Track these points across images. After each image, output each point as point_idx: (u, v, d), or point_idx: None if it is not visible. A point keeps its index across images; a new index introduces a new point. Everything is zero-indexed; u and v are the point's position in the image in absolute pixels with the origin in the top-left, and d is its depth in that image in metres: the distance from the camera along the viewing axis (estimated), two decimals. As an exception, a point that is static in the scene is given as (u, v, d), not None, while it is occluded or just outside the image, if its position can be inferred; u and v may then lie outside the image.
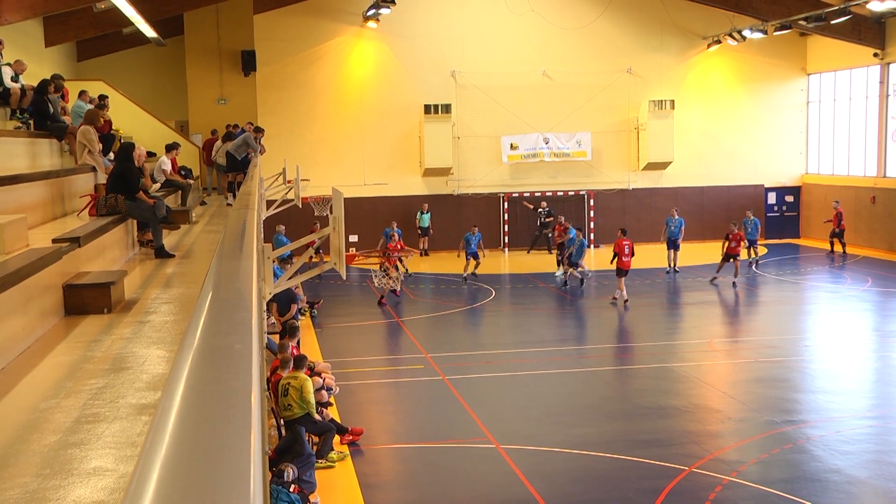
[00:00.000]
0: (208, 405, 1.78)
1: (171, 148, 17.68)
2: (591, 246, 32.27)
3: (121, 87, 24.58)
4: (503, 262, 31.54)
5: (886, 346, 18.20)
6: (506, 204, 33.39)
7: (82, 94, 17.47)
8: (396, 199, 32.33)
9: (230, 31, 29.52)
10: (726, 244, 25.07)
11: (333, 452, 11.60)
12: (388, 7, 29.08)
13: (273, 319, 16.36)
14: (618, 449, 11.93)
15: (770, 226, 34.86)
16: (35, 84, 14.66)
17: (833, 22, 27.78)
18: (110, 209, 10.04)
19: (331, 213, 11.78)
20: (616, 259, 22.41)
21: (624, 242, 22.30)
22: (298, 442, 10.12)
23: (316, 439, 11.51)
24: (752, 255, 28.17)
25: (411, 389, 15.59)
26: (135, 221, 10.95)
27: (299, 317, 17.78)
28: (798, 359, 17.22)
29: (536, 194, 33.15)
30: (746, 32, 31.48)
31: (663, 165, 33.83)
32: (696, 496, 10.40)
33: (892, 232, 30.75)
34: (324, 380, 12.84)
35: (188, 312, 5.77)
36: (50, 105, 14.16)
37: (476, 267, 26.57)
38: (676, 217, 27.46)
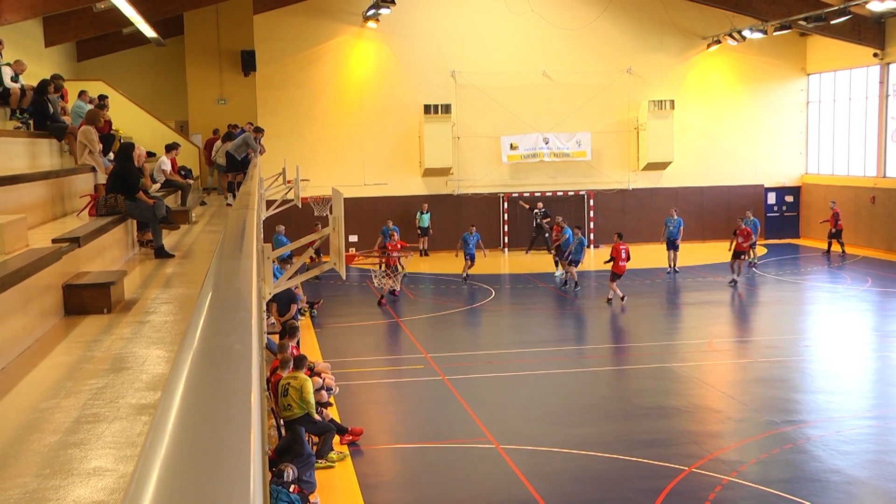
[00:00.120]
0: (208, 405, 1.78)
1: (170, 148, 17.68)
2: (591, 246, 32.26)
3: (121, 87, 24.58)
4: (503, 262, 31.54)
5: (886, 347, 18.20)
6: (506, 204, 33.40)
7: (82, 94, 17.47)
8: (396, 200, 32.33)
9: (230, 32, 29.52)
10: (734, 241, 24.97)
11: (333, 452, 11.60)
12: (388, 7, 29.09)
13: (273, 319, 16.36)
14: (618, 449, 11.92)
15: (770, 226, 34.87)
16: (35, 84, 14.66)
17: (833, 22, 27.78)
18: (110, 209, 10.04)
19: (331, 213, 11.78)
20: (612, 262, 22.40)
21: (621, 247, 22.31)
22: (298, 442, 10.12)
23: (316, 439, 11.51)
24: (751, 256, 28.17)
25: (411, 389, 15.59)
26: (135, 221, 10.95)
27: (299, 317, 17.78)
28: (798, 359, 17.22)
29: (536, 194, 33.15)
30: (746, 32, 31.48)
31: (663, 165, 33.84)
32: (696, 496, 10.40)
33: (892, 232, 30.75)
34: (323, 380, 12.84)
35: (188, 312, 5.77)
36: (50, 105, 14.16)
37: (468, 268, 26.44)
38: (675, 217, 27.46)
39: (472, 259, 26.35)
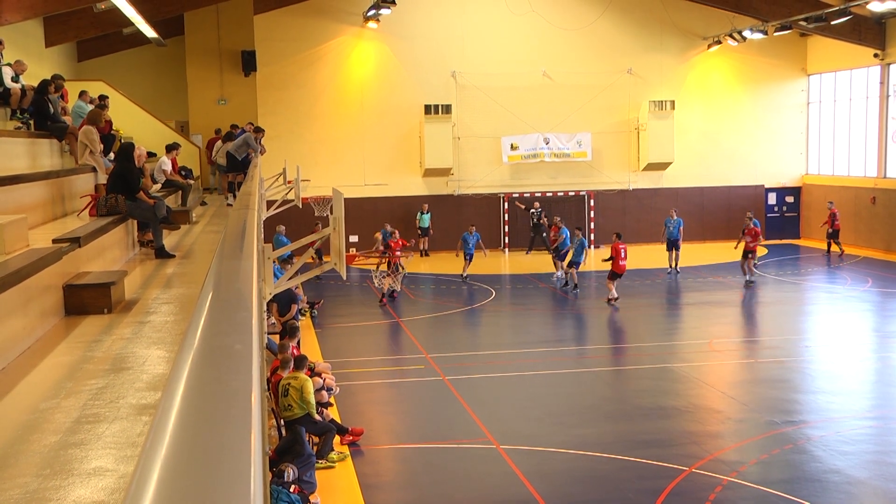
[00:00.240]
0: (209, 405, 1.78)
1: (171, 148, 17.68)
2: (591, 246, 32.25)
3: (121, 87, 24.59)
4: (503, 262, 31.54)
5: (886, 347, 18.20)
6: (506, 204, 33.40)
7: (82, 94, 17.48)
8: (397, 200, 32.34)
9: (230, 32, 29.52)
10: (742, 240, 24.75)
11: (334, 453, 11.60)
12: (389, 7, 29.09)
13: (273, 320, 16.36)
14: (618, 449, 11.92)
15: (770, 226, 34.86)
16: (35, 84, 14.67)
17: (833, 22, 27.78)
18: (110, 209, 10.04)
19: (331, 213, 11.78)
20: (612, 262, 22.38)
21: (620, 246, 22.29)
22: (299, 442, 10.12)
23: (316, 439, 11.51)
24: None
25: (411, 390, 15.60)
26: (135, 222, 10.96)
27: (299, 317, 17.78)
28: (798, 359, 17.22)
29: (537, 195, 33.14)
30: (747, 33, 31.48)
31: (663, 166, 33.84)
32: (696, 497, 10.39)
33: (893, 232, 30.75)
34: (324, 380, 12.85)
35: (188, 313, 5.77)
36: (50, 105, 14.17)
37: (465, 267, 26.45)
38: (675, 217, 27.45)
39: (472, 259, 26.39)
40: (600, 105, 33.42)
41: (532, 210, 32.17)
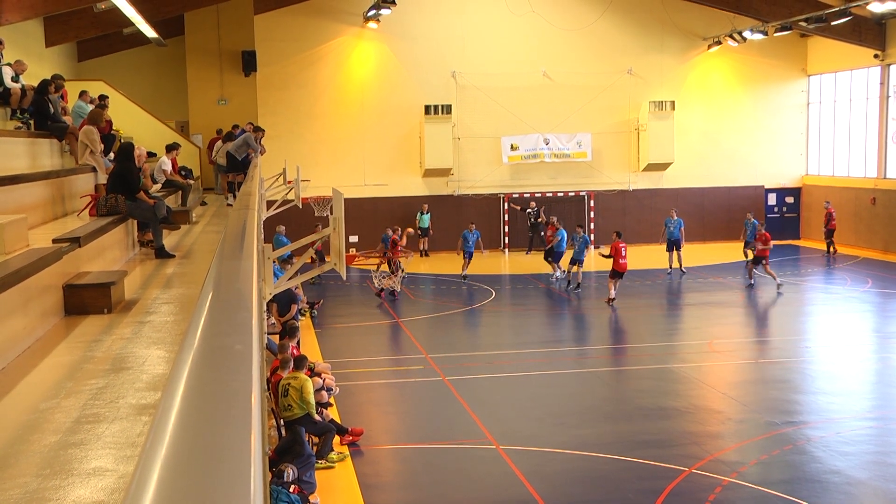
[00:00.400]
0: (209, 406, 1.78)
1: (171, 148, 17.69)
2: (591, 247, 32.25)
3: (121, 87, 24.58)
4: (503, 262, 31.55)
5: (887, 348, 18.20)
6: (506, 205, 33.40)
7: (83, 94, 17.48)
8: (397, 200, 32.34)
9: (231, 32, 29.52)
10: (756, 246, 24.28)
11: (333, 453, 11.60)
12: (389, 8, 29.08)
13: (273, 320, 16.36)
14: (618, 450, 11.92)
15: (770, 227, 34.63)
16: (35, 84, 14.67)
17: (833, 23, 27.77)
18: (111, 209, 10.04)
19: (331, 213, 11.79)
20: (612, 261, 22.35)
21: (620, 245, 22.27)
22: (298, 442, 10.12)
23: (316, 440, 11.51)
24: (751, 257, 28.15)
25: (411, 390, 15.59)
26: (135, 222, 10.96)
27: (299, 317, 17.78)
28: (798, 360, 17.22)
29: (537, 195, 33.13)
30: (747, 33, 31.48)
31: (664, 166, 33.84)
32: (696, 497, 10.39)
33: (893, 233, 30.77)
34: (324, 380, 12.85)
35: (188, 313, 5.77)
36: (50, 105, 14.17)
37: (466, 266, 26.48)
38: (676, 218, 27.45)
39: (471, 256, 26.43)
40: (600, 105, 33.42)
41: (529, 210, 32.16)
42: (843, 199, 32.74)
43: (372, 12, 30.38)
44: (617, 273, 22.28)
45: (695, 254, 30.18)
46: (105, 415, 4.34)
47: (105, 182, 11.35)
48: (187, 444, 1.54)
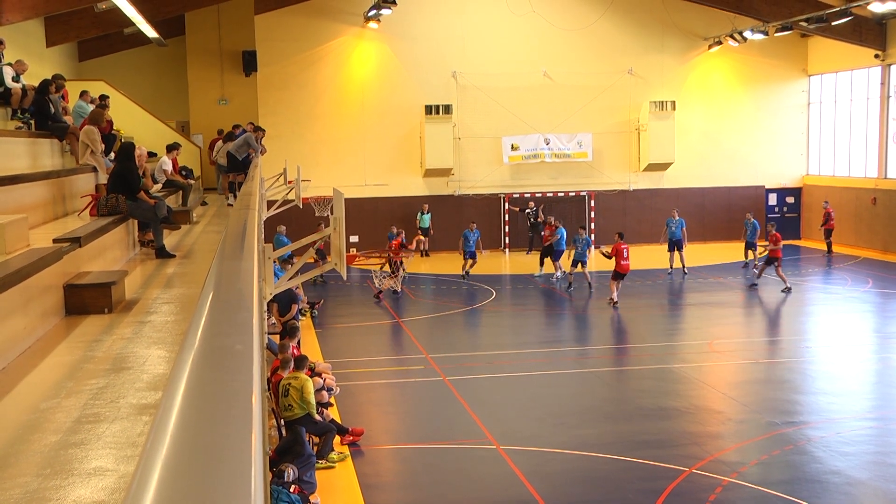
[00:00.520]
0: (209, 405, 1.78)
1: (171, 148, 17.69)
2: (592, 247, 32.24)
3: (122, 87, 24.60)
4: (504, 262, 31.55)
5: (887, 348, 18.20)
6: (506, 205, 33.40)
7: (83, 94, 17.49)
8: (397, 200, 32.34)
9: (231, 32, 29.54)
10: (769, 247, 24.04)
11: (334, 453, 11.60)
12: (389, 8, 29.09)
13: (273, 320, 16.37)
14: (618, 450, 11.92)
15: (771, 227, 34.83)
16: (36, 84, 14.67)
17: (834, 23, 27.76)
18: (111, 209, 10.04)
19: (331, 213, 11.80)
20: (615, 262, 22.32)
21: (622, 246, 22.26)
22: (299, 442, 10.12)
23: (316, 440, 11.51)
24: (751, 257, 28.17)
25: (412, 390, 15.60)
26: (136, 221, 10.96)
27: (300, 317, 17.79)
28: (799, 360, 17.22)
29: (537, 195, 33.14)
30: (747, 33, 31.48)
31: (664, 166, 33.84)
32: (697, 497, 10.39)
33: (893, 233, 30.76)
34: (324, 380, 12.85)
35: (189, 313, 5.78)
36: (51, 105, 14.17)
37: (471, 266, 26.65)
38: (677, 218, 27.44)
39: (473, 256, 26.49)
40: (601, 105, 33.41)
41: (528, 210, 32.16)
42: (843, 199, 32.74)
43: (372, 12, 30.38)
44: (619, 274, 22.25)
45: (695, 254, 30.17)
46: (105, 415, 4.34)
47: (106, 182, 11.36)
48: (188, 444, 1.54)
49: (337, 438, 11.93)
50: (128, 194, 10.19)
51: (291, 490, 9.04)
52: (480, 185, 33.12)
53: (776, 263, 23.80)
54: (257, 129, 20.26)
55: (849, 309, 22.27)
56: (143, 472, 1.41)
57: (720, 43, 33.16)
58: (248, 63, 29.45)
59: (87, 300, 6.95)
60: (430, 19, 32.42)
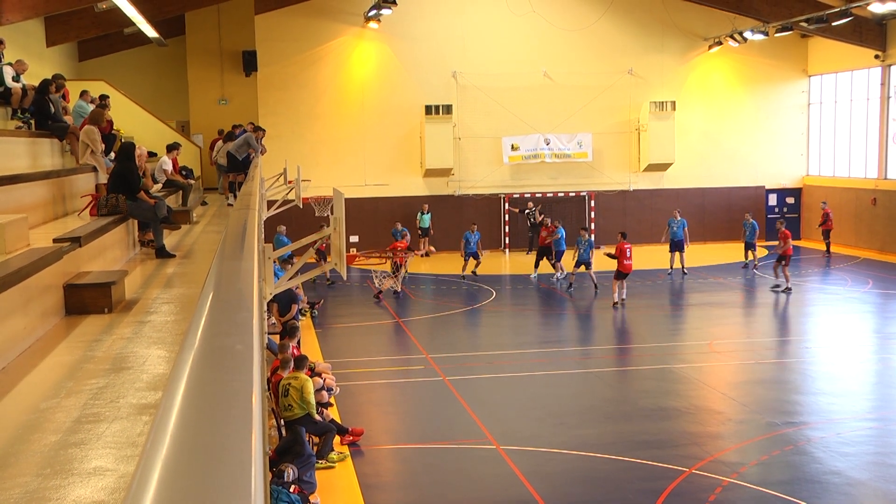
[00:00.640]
0: (209, 405, 1.78)
1: (171, 148, 17.68)
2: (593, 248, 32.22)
3: (122, 87, 24.59)
4: (504, 262, 31.55)
5: (887, 349, 18.20)
6: (507, 205, 33.40)
7: (84, 94, 17.48)
8: (397, 200, 32.34)
9: (231, 32, 29.53)
10: (780, 245, 23.88)
11: (334, 453, 11.60)
12: (390, 8, 29.08)
13: (273, 320, 16.37)
14: (618, 450, 11.92)
15: (771, 228, 34.78)
16: (36, 84, 14.67)
17: (834, 24, 27.76)
18: (111, 209, 10.04)
19: (332, 213, 11.80)
20: (617, 261, 22.32)
21: (625, 246, 22.26)
22: (299, 442, 10.12)
23: (316, 440, 11.51)
24: (751, 258, 28.19)
25: (412, 390, 15.60)
26: (136, 221, 10.96)
27: (300, 317, 17.79)
28: (799, 361, 17.22)
29: (537, 195, 33.14)
30: (747, 34, 31.48)
31: (664, 167, 33.84)
32: (697, 497, 10.39)
33: (893, 234, 30.76)
34: (324, 380, 12.85)
35: (189, 313, 5.78)
36: (51, 105, 14.17)
37: (476, 266, 26.77)
38: (679, 218, 27.43)
39: (476, 257, 26.54)
40: (601, 106, 33.41)
41: (527, 211, 32.16)
42: (843, 199, 32.73)
43: (373, 12, 30.38)
44: (621, 274, 22.25)
45: (695, 254, 30.16)
46: (105, 414, 4.34)
47: (106, 182, 11.36)
48: (188, 443, 1.54)
49: (337, 438, 11.93)
50: (128, 194, 10.18)
51: (291, 490, 9.04)
52: (480, 185, 33.13)
53: (784, 262, 23.78)
54: (257, 129, 20.25)
55: (849, 309, 22.27)
56: (143, 472, 1.41)
57: (720, 43, 33.16)
58: (249, 63, 29.45)
59: (87, 300, 6.95)
60: (430, 19, 32.42)
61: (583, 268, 24.37)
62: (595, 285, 24.38)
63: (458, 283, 26.42)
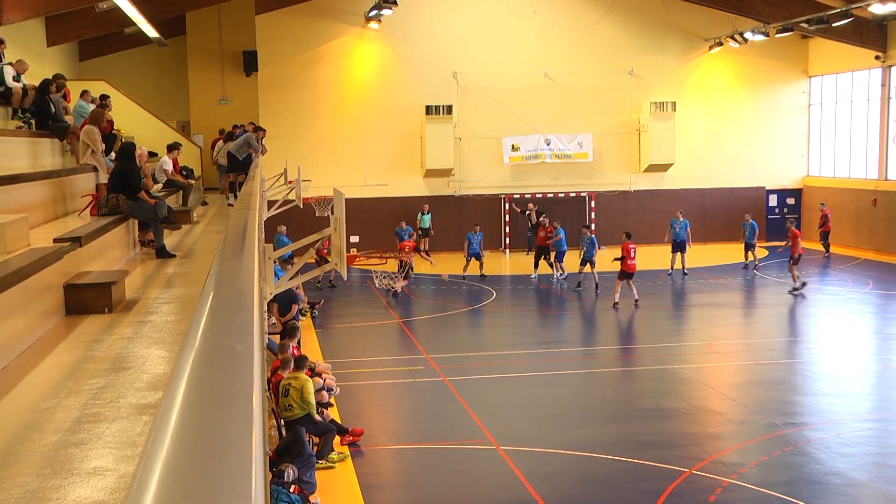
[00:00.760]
0: (209, 405, 1.78)
1: (172, 148, 17.68)
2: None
3: (122, 87, 24.60)
4: (504, 263, 31.55)
5: (887, 349, 18.20)
6: (507, 205, 33.40)
7: (84, 93, 17.49)
8: (398, 200, 32.33)
9: (232, 32, 29.55)
10: (794, 244, 23.56)
11: (334, 453, 11.60)
12: (390, 8, 29.09)
13: (274, 320, 16.37)
14: (618, 451, 11.92)
15: (771, 228, 34.85)
16: (37, 84, 14.67)
17: (835, 24, 27.76)
18: (111, 209, 10.04)
19: (332, 213, 11.80)
20: (621, 261, 22.31)
21: (630, 246, 22.26)
22: (299, 442, 10.12)
23: (316, 440, 11.51)
24: (751, 258, 28.19)
25: (412, 390, 15.59)
26: (136, 221, 10.96)
27: (300, 317, 17.79)
28: (799, 361, 17.22)
29: (538, 196, 33.15)
30: (748, 34, 31.48)
31: (664, 167, 33.84)
32: (697, 498, 10.39)
33: (894, 235, 30.76)
34: (324, 380, 12.85)
35: (189, 313, 5.78)
36: (52, 105, 14.17)
37: (481, 267, 26.81)
38: (681, 219, 27.42)
39: (478, 257, 26.57)
40: (601, 106, 33.41)
41: (528, 211, 32.16)
42: (843, 200, 32.73)
43: (373, 13, 30.38)
44: (625, 274, 22.25)
45: (695, 255, 30.15)
46: (105, 414, 4.34)
47: (106, 182, 11.36)
48: (188, 443, 1.54)
49: (337, 438, 11.93)
50: (128, 194, 10.19)
51: (291, 490, 9.04)
52: (481, 185, 33.12)
53: (791, 262, 23.74)
54: (258, 129, 20.26)
55: (849, 310, 22.27)
56: (144, 471, 1.41)
57: (721, 44, 33.17)
58: (249, 63, 29.46)
59: (87, 300, 6.95)
60: (430, 20, 32.43)
61: (588, 266, 24.37)
62: (596, 285, 24.37)
63: (458, 283, 26.42)
